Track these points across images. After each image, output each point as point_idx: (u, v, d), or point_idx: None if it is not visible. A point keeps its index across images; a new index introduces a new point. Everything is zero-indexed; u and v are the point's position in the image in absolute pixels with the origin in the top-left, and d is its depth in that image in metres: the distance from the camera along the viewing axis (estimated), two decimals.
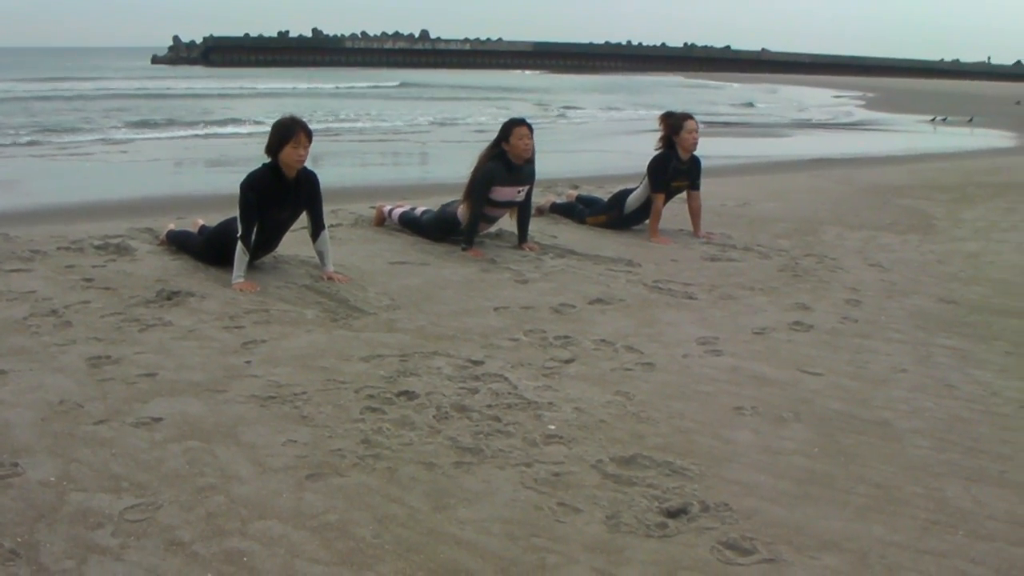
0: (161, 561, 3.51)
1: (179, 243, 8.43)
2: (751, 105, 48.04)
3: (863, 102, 54.40)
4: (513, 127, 8.78)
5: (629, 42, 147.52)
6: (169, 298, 6.99)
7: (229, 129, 27.45)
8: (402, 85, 65.10)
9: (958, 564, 3.70)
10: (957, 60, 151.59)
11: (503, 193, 8.88)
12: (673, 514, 4.01)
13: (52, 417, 4.80)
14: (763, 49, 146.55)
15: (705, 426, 4.99)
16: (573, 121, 36.02)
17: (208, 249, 8.00)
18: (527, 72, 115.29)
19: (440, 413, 5.01)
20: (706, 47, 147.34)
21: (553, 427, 4.88)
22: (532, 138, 8.83)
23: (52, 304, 6.76)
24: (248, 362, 5.73)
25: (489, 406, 5.13)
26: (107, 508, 3.88)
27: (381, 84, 66.49)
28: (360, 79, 73.90)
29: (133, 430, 4.67)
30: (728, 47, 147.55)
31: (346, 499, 4.03)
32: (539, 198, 11.20)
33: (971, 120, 37.23)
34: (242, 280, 7.39)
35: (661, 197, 9.90)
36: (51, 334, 6.13)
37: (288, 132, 7.43)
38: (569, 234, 9.93)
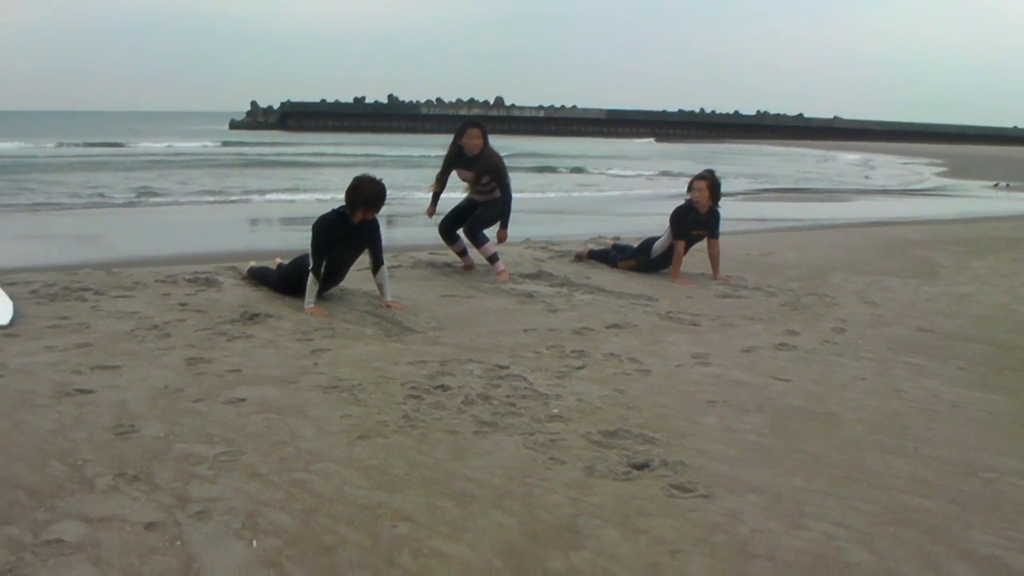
0: (245, 484, 4.76)
1: (259, 278, 9.75)
2: (868, 178, 46.79)
3: (943, 168, 54.77)
4: (467, 127, 10.85)
5: (702, 110, 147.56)
6: (251, 318, 8.28)
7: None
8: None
9: (854, 504, 4.82)
10: None
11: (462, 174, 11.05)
12: (638, 467, 5.18)
13: (158, 396, 6.08)
14: (835, 117, 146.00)
15: (680, 413, 6.14)
16: None
17: (284, 282, 9.32)
18: (643, 140, 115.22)
19: (467, 400, 6.21)
20: (778, 115, 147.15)
21: (556, 411, 6.07)
22: (480, 137, 10.78)
23: (153, 321, 8.10)
24: (315, 364, 6.99)
25: (508, 396, 6.33)
26: (204, 453, 5.14)
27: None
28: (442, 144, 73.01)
29: (223, 406, 5.94)
30: (801, 115, 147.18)
31: (386, 451, 5.26)
32: (579, 246, 12.56)
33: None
34: (312, 306, 8.68)
35: (682, 244, 11.16)
36: (154, 342, 7.46)
37: (374, 202, 8.87)
38: (601, 276, 11.14)
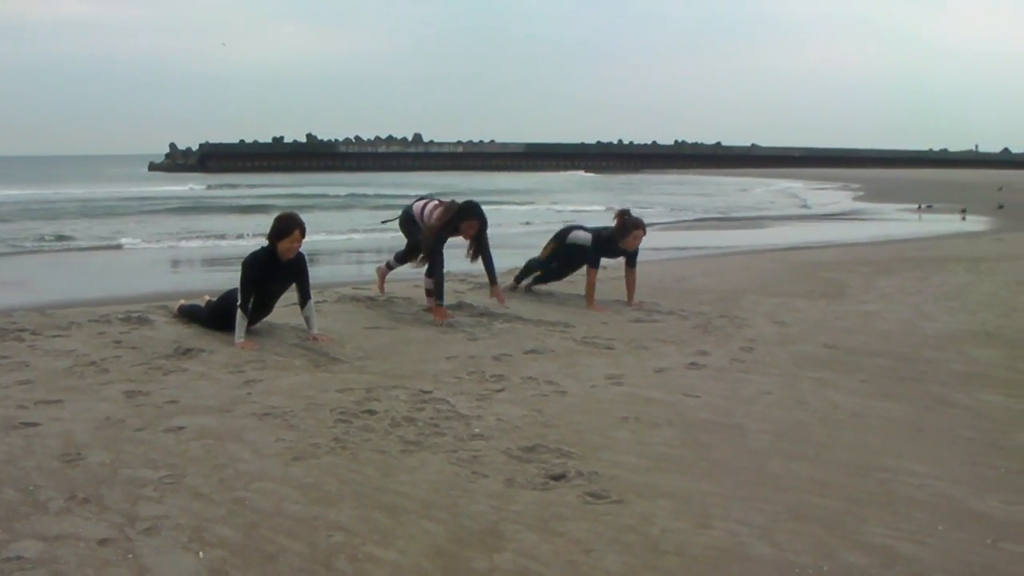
0: (189, 503, 5.10)
1: (189, 315, 10.03)
2: (807, 206, 46.38)
3: (860, 193, 55.75)
4: (464, 219, 10.85)
5: (620, 140, 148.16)
6: (184, 353, 8.59)
7: None
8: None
9: (757, 504, 5.23)
10: (945, 149, 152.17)
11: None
12: (555, 478, 5.57)
13: (102, 427, 6.39)
14: (753, 144, 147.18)
15: (595, 429, 6.54)
16: None
17: (214, 317, 9.61)
18: (582, 172, 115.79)
19: (394, 422, 6.58)
20: (696, 144, 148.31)
21: (478, 430, 6.45)
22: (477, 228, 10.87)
23: (91, 358, 8.37)
24: (249, 393, 7.33)
25: (432, 418, 6.71)
26: (148, 476, 5.47)
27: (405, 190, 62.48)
28: (365, 183, 73.03)
29: (163, 434, 6.27)
30: (719, 143, 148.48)
31: (320, 471, 5.62)
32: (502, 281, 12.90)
33: (964, 210, 36.47)
34: (243, 340, 8.99)
35: (595, 272, 11.59)
36: (93, 377, 7.75)
37: (286, 230, 9.15)
38: (519, 305, 11.49)
